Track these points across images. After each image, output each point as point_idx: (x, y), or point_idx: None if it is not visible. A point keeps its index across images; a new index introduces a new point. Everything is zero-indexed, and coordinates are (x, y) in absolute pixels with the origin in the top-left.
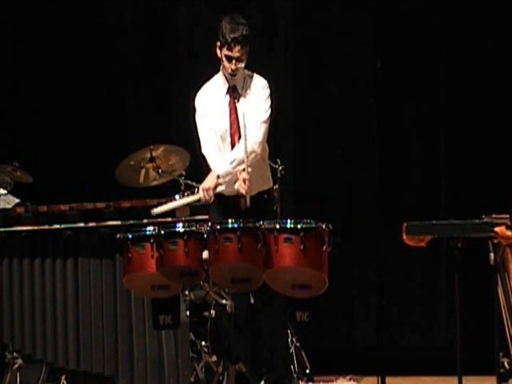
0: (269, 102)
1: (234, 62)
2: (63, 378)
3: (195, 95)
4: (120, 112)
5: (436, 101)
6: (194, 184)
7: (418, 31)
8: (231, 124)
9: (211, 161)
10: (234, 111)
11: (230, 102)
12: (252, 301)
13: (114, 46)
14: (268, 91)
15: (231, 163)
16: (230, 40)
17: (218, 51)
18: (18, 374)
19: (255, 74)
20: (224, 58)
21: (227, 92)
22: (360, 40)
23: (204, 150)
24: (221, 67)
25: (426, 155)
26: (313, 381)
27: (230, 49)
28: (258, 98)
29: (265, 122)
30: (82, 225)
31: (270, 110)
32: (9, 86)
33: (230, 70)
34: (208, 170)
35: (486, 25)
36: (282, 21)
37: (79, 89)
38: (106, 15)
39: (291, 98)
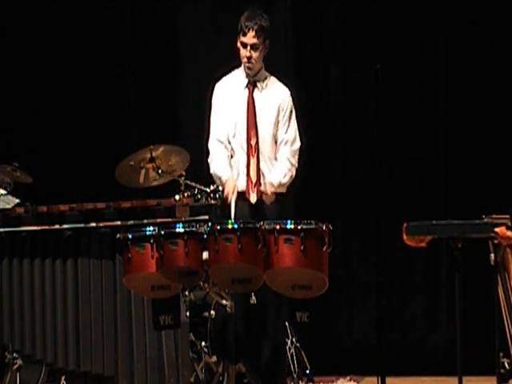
0: (295, 124)
1: (248, 48)
2: (63, 378)
3: (214, 86)
4: (120, 112)
5: (436, 101)
6: (194, 184)
7: (417, 31)
8: (248, 118)
9: (213, 162)
10: (251, 106)
11: (248, 96)
12: (254, 301)
13: (114, 46)
14: (291, 103)
15: (284, 176)
16: (244, 26)
17: (238, 42)
18: (18, 374)
19: (278, 81)
20: (240, 46)
21: (246, 86)
22: (360, 40)
23: (210, 145)
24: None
25: (426, 155)
26: (313, 381)
27: (244, 34)
28: (282, 111)
29: (299, 149)
30: (82, 225)
31: (297, 137)
32: (8, 85)
33: (244, 58)
34: (207, 164)
35: (485, 25)
36: (281, 20)
37: (79, 89)
38: (105, 15)
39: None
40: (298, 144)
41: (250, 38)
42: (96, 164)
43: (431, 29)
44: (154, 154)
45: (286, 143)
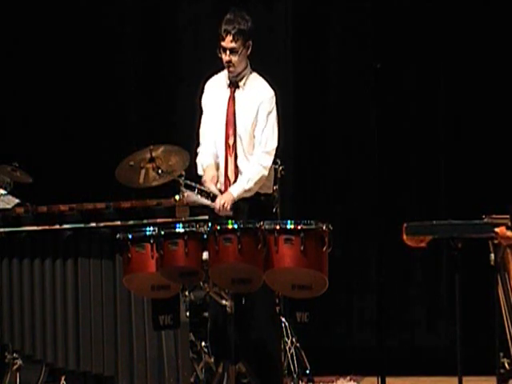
0: (276, 125)
1: (227, 52)
2: (63, 378)
3: (205, 82)
4: (120, 112)
5: (436, 101)
6: (194, 184)
7: (418, 31)
8: (227, 116)
9: (199, 154)
10: (231, 105)
11: (229, 95)
12: (244, 301)
13: (115, 47)
14: (273, 105)
15: (247, 182)
16: (222, 30)
17: (219, 45)
18: (18, 374)
19: (263, 80)
20: (221, 49)
21: (228, 85)
22: (360, 40)
23: (199, 139)
24: None
25: (426, 155)
26: (313, 381)
27: (222, 39)
28: (262, 110)
29: (273, 149)
30: (82, 225)
31: (277, 134)
32: (9, 86)
33: (224, 62)
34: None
35: (486, 25)
36: (281, 20)
37: (79, 89)
38: (107, 15)
39: (291, 99)
40: (272, 145)
41: (228, 42)
42: (96, 164)
43: (431, 29)
44: (153, 154)
45: (259, 144)
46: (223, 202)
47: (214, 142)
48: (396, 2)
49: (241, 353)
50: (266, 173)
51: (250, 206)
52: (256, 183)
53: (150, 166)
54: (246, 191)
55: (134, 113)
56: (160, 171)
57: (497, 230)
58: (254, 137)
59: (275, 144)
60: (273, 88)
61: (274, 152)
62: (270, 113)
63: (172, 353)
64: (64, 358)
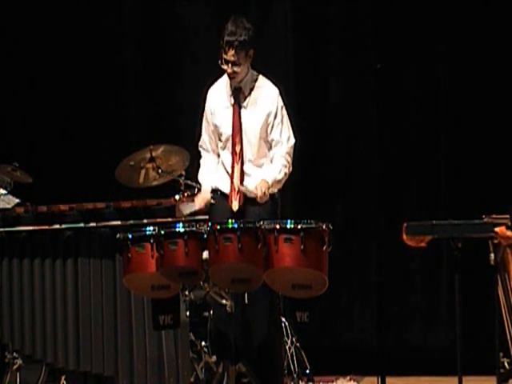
0: (288, 122)
1: (229, 65)
2: (63, 378)
3: (208, 89)
4: (120, 112)
5: (436, 100)
6: (194, 184)
7: (418, 31)
8: (233, 125)
9: (200, 168)
10: (237, 112)
11: (234, 106)
12: (246, 301)
13: (115, 47)
14: (281, 103)
15: (279, 172)
16: (224, 43)
17: (220, 55)
18: (18, 374)
19: (265, 80)
20: (223, 60)
21: (232, 94)
22: (360, 40)
23: (200, 149)
24: None
25: (426, 155)
26: (313, 381)
27: (224, 51)
28: (272, 113)
29: (289, 150)
30: (82, 225)
31: (291, 134)
32: (9, 86)
33: (227, 73)
34: (198, 163)
35: (486, 25)
36: (281, 20)
37: (79, 89)
38: (107, 15)
39: (291, 99)
40: (292, 141)
41: (230, 56)
42: (96, 164)
43: (431, 29)
44: (153, 154)
45: (281, 144)
46: (263, 189)
47: (215, 151)
48: (396, 2)
49: (241, 353)
50: (287, 171)
51: (259, 209)
52: (284, 176)
53: (150, 165)
54: (276, 181)
55: (134, 113)
56: (160, 171)
57: (497, 229)
58: (268, 141)
59: (294, 140)
60: (276, 85)
61: (293, 149)
62: (282, 114)
63: (172, 353)
64: (64, 357)
